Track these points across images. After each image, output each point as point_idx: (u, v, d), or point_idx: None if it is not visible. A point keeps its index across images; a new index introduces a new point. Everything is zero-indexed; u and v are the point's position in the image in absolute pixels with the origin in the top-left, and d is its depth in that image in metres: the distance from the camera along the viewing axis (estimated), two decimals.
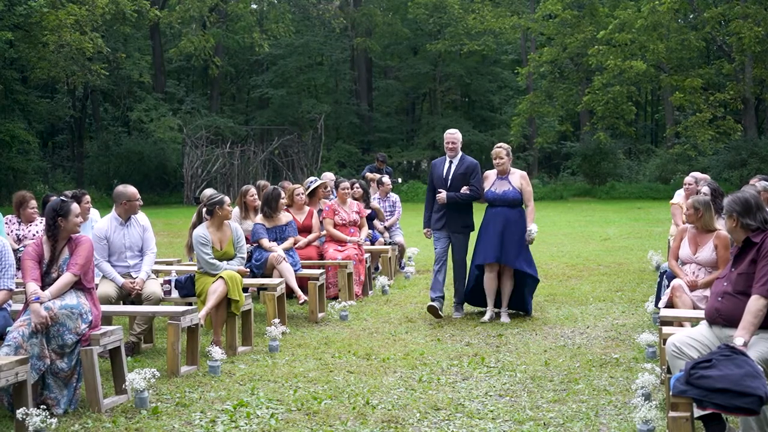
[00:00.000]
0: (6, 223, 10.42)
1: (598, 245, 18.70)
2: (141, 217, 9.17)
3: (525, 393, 7.10)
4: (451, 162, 10.77)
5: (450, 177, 10.70)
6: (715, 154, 36.42)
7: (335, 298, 11.75)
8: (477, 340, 9.31)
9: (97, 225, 9.35)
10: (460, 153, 10.80)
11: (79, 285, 6.84)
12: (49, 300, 6.57)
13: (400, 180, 16.93)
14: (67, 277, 6.75)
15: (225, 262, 8.98)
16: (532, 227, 10.42)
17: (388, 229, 14.75)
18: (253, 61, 49.02)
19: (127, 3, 35.71)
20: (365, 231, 13.11)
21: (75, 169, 42.55)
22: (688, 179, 12.44)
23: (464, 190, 10.55)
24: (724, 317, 5.79)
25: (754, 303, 5.57)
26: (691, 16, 37.33)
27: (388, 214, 15.02)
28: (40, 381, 6.54)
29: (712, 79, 36.32)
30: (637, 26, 33.59)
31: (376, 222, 14.36)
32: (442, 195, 10.53)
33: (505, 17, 42.42)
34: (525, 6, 44.35)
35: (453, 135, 10.81)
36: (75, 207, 6.97)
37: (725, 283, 5.91)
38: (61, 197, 7.03)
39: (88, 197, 10.64)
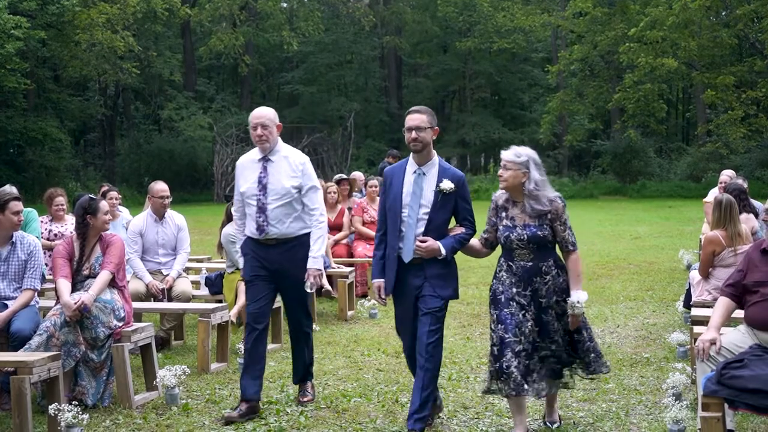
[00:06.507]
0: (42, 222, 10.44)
1: (629, 244, 18.59)
2: (177, 217, 9.24)
3: None
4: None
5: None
6: (747, 153, 36.10)
7: (364, 296, 11.75)
8: None
9: (132, 221, 9.42)
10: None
11: (112, 282, 6.93)
12: (94, 299, 6.63)
13: None
14: (105, 275, 6.84)
15: None
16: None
17: None
18: (283, 58, 49.13)
19: (158, 1, 35.94)
20: None
21: (106, 166, 42.84)
22: (722, 177, 12.35)
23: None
24: None
25: None
26: (723, 14, 36.92)
27: None
28: (71, 371, 6.60)
29: (745, 77, 35.91)
30: (668, 23, 33.32)
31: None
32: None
33: (535, 15, 42.27)
34: (555, 3, 44.14)
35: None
36: (104, 205, 7.04)
37: None
38: (90, 195, 7.09)
39: (112, 194, 10.51)
